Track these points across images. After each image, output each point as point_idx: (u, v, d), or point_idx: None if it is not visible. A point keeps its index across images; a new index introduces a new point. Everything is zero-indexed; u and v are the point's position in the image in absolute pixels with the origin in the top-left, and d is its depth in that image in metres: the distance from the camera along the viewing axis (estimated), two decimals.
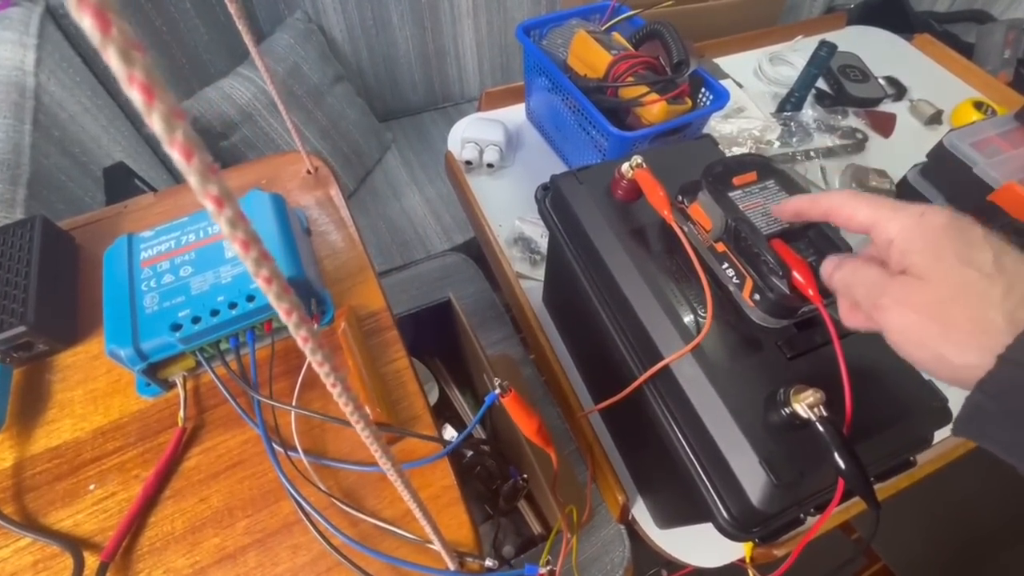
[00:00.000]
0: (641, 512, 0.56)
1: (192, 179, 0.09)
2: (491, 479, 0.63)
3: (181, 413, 0.32)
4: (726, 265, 0.40)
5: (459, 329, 0.78)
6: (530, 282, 0.70)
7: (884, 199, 0.26)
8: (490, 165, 0.82)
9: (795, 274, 0.36)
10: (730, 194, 0.41)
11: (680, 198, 0.44)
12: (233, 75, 1.00)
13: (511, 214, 0.77)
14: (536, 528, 0.68)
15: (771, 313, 0.38)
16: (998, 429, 0.20)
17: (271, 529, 0.29)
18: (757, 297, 0.38)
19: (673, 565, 0.55)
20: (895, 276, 0.24)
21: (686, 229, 0.43)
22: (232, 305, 0.32)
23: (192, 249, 0.34)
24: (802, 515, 0.38)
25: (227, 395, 0.32)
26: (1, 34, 0.64)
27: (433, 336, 0.86)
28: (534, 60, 0.77)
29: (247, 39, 0.36)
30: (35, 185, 0.54)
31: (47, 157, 0.60)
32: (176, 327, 0.31)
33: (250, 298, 0.32)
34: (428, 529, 0.21)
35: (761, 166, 0.43)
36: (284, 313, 0.12)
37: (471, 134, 0.83)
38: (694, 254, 0.41)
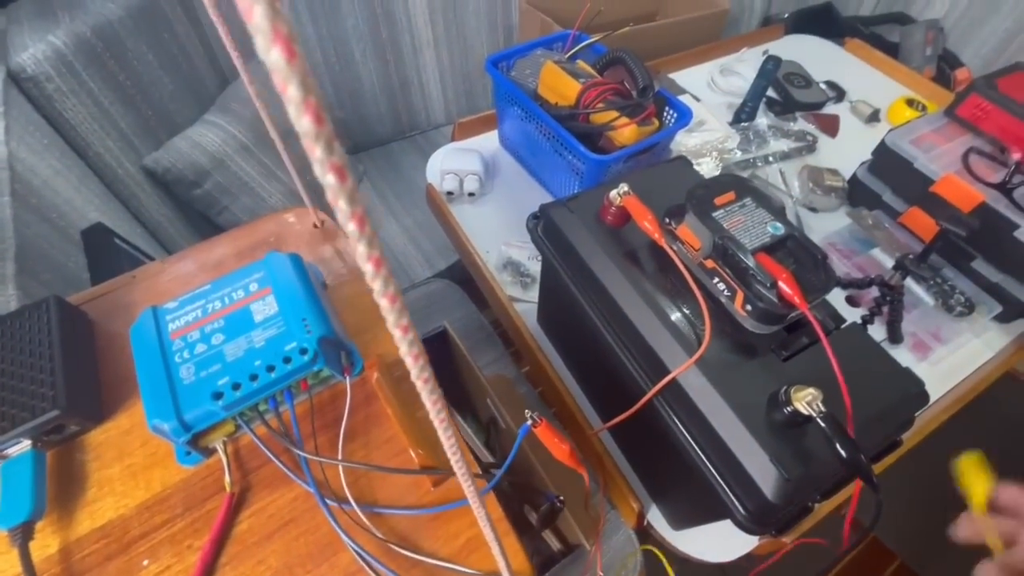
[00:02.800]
0: (655, 517, 0.58)
1: (342, 200, 0.10)
2: (508, 501, 0.64)
3: (227, 478, 0.33)
4: (716, 280, 0.44)
5: (456, 356, 0.79)
6: (523, 304, 0.73)
7: None
8: (471, 194, 0.85)
9: (781, 284, 0.40)
10: (714, 214, 0.44)
11: (667, 220, 0.47)
12: (200, 123, 0.99)
13: (496, 240, 0.80)
14: (555, 545, 0.70)
15: (762, 320, 0.41)
16: None
17: None
18: (749, 307, 0.41)
19: (688, 564, 0.57)
20: None
21: (675, 249, 0.46)
22: (270, 368, 0.33)
23: (220, 316, 0.35)
24: (810, 503, 0.42)
25: (271, 456, 0.33)
26: None
27: (431, 365, 0.87)
28: (505, 91, 0.81)
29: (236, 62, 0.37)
30: (21, 258, 0.54)
31: (28, 227, 0.59)
32: (218, 395, 0.32)
33: (287, 359, 0.33)
34: (501, 563, 0.23)
35: (737, 186, 0.47)
36: (412, 359, 0.14)
37: (449, 165, 0.86)
38: (687, 272, 0.44)
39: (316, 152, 0.09)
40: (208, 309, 0.36)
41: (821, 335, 0.37)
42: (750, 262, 0.41)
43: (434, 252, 1.17)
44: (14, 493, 0.32)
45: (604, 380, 0.59)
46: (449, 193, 0.84)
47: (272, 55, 0.08)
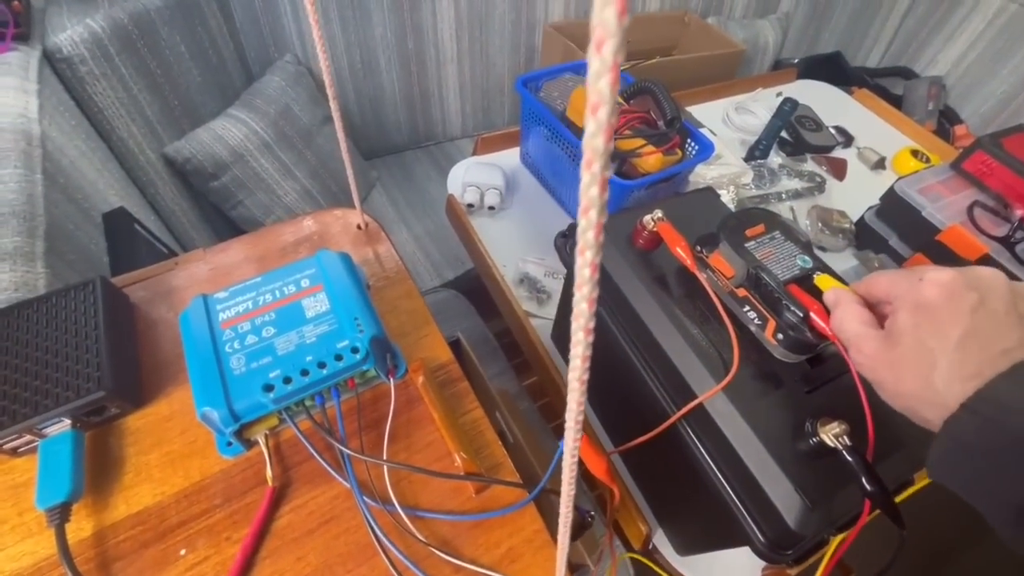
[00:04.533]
0: (660, 541, 0.59)
1: (594, 211, 0.11)
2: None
3: (269, 472, 0.33)
4: (747, 308, 0.45)
5: (467, 367, 0.80)
6: (536, 320, 0.73)
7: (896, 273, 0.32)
8: (491, 208, 0.86)
9: (814, 316, 0.41)
10: (746, 245, 0.46)
11: (699, 248, 0.49)
12: (224, 116, 0.99)
13: (513, 254, 0.81)
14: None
15: (793, 350, 0.43)
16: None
17: None
18: (780, 336, 0.43)
19: None
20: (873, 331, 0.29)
21: (706, 276, 0.48)
22: (321, 365, 0.33)
23: (272, 309, 0.36)
24: (826, 536, 0.43)
25: (313, 452, 0.33)
26: (3, 80, 0.63)
27: None
28: (533, 110, 0.83)
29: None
30: (50, 236, 0.53)
31: (56, 206, 0.58)
32: (268, 388, 0.32)
33: (338, 357, 0.34)
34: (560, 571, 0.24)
35: (767, 219, 0.48)
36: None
37: (472, 178, 0.87)
38: (717, 299, 0.46)
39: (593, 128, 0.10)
40: (259, 301, 0.36)
41: (854, 373, 0.39)
42: (783, 293, 0.42)
43: (443, 262, 1.18)
44: (53, 473, 0.31)
45: (621, 401, 0.59)
46: (469, 205, 0.85)
47: (608, 12, 0.09)
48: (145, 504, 0.32)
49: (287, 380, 0.33)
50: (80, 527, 0.31)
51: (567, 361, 0.52)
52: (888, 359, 0.27)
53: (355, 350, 0.34)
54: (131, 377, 0.36)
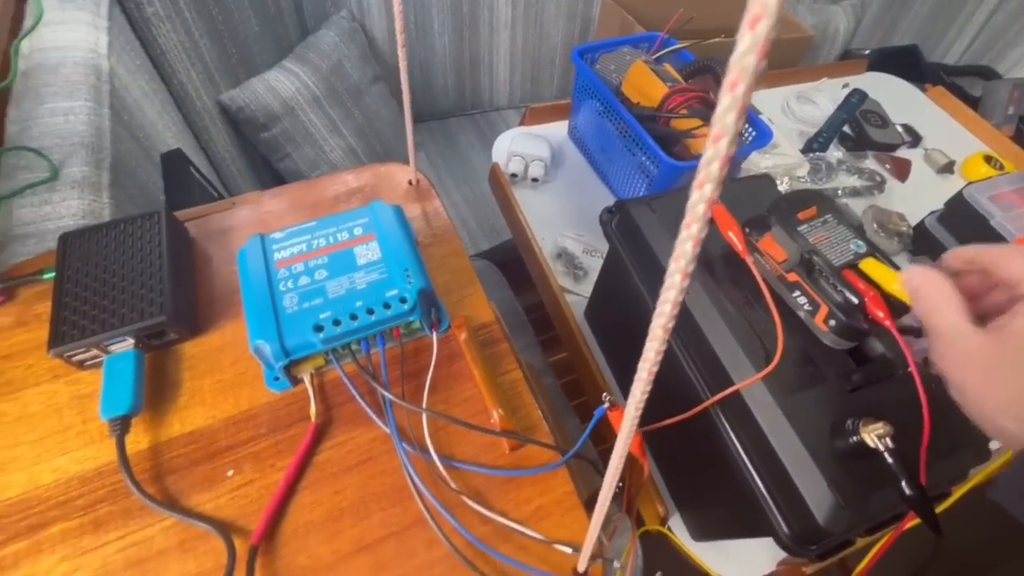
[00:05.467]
0: (675, 525, 0.59)
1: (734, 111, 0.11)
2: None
3: (312, 409, 0.34)
4: (797, 293, 0.44)
5: None
6: (570, 296, 0.73)
7: None
8: (534, 180, 0.85)
9: (869, 304, 0.40)
10: (799, 228, 0.44)
11: (747, 231, 0.47)
12: (278, 68, 1.00)
13: (552, 228, 0.80)
14: None
15: (844, 336, 0.42)
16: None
17: (406, 523, 0.31)
18: (832, 323, 0.41)
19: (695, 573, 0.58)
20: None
21: (755, 260, 0.46)
22: (370, 311, 0.34)
23: (325, 253, 0.36)
24: (852, 536, 0.42)
25: (355, 394, 0.34)
26: (76, 15, 0.65)
27: None
28: (588, 83, 0.81)
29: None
30: (114, 170, 0.55)
31: (120, 142, 0.60)
32: (318, 328, 0.33)
33: (387, 305, 0.34)
34: (593, 531, 0.24)
35: (819, 201, 0.46)
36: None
37: (517, 148, 0.86)
38: (764, 285, 0.45)
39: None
40: (313, 245, 0.37)
41: (911, 363, 0.37)
42: (838, 278, 0.41)
43: (479, 231, 1.18)
44: (116, 387, 0.33)
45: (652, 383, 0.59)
46: (513, 175, 0.85)
47: None
48: (197, 425, 0.34)
49: (336, 322, 0.33)
50: (137, 440, 0.33)
51: (600, 340, 0.52)
52: (987, 361, 0.24)
53: (403, 300, 0.34)
54: (189, 306, 0.38)
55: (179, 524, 0.31)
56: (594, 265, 0.76)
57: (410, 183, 0.47)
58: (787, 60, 1.15)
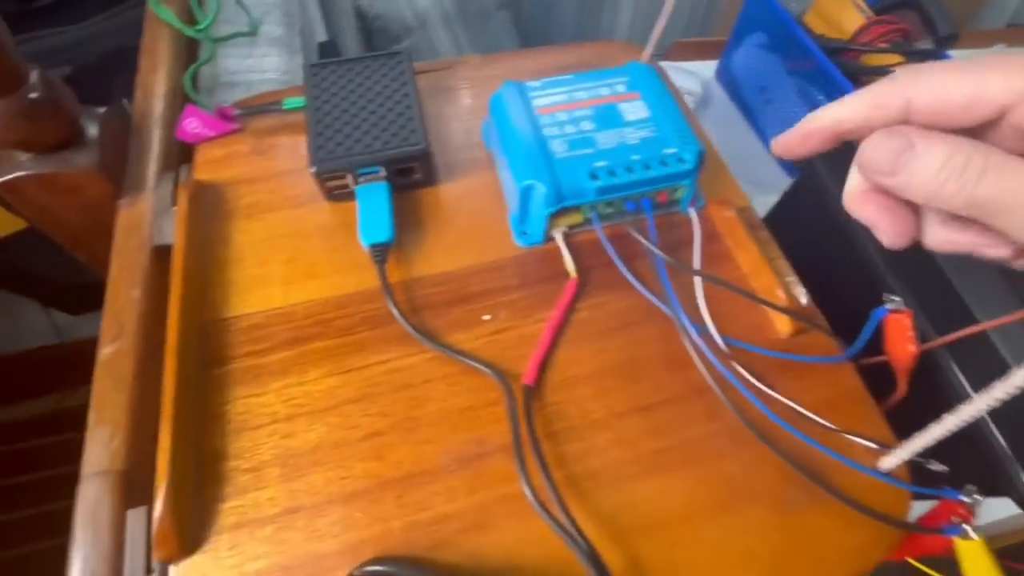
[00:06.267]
0: None
1: None
2: None
3: (571, 265, 0.32)
4: None
5: None
6: None
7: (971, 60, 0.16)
8: None
9: None
10: None
11: None
12: None
13: None
14: None
15: None
16: None
17: (681, 392, 0.28)
18: None
19: None
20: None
21: None
22: (646, 166, 0.31)
23: (587, 105, 0.33)
24: None
25: (615, 257, 0.31)
26: None
27: None
28: (759, 10, 0.74)
29: None
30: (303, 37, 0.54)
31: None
32: (593, 176, 0.30)
33: (663, 162, 0.31)
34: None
35: None
36: None
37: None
38: None
39: None
40: (574, 96, 0.34)
41: None
42: None
43: None
44: (373, 216, 0.32)
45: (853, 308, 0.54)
46: None
47: None
48: (444, 269, 0.32)
49: (611, 172, 0.31)
50: (389, 273, 0.31)
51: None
52: None
53: (681, 160, 0.31)
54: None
55: (440, 358, 0.29)
56: None
57: None
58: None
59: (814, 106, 0.74)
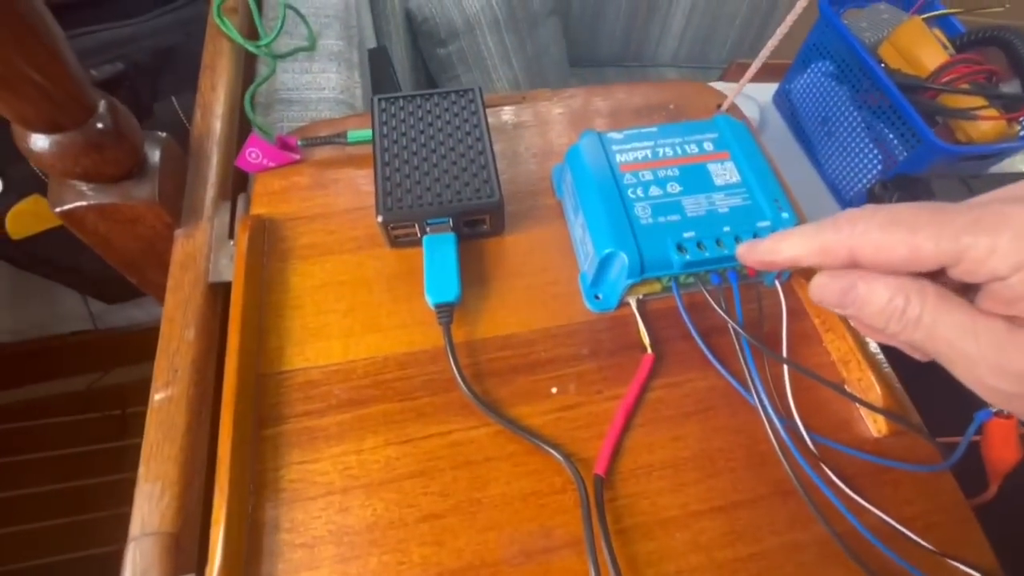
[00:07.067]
0: None
1: None
2: None
3: (646, 338, 0.30)
4: None
5: None
6: None
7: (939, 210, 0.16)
8: None
9: None
10: None
11: None
12: None
13: None
14: None
15: None
16: None
17: (762, 493, 0.26)
18: None
19: None
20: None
21: None
22: (737, 239, 0.29)
23: (674, 165, 0.31)
24: None
25: (694, 332, 0.29)
26: None
27: None
28: (828, 38, 0.70)
29: None
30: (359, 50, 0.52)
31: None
32: (680, 248, 0.28)
33: (756, 235, 0.29)
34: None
35: None
36: None
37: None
38: None
39: None
40: (658, 153, 0.32)
41: None
42: None
43: None
44: (439, 272, 0.30)
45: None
46: None
47: None
48: (512, 331, 0.30)
49: (700, 245, 0.28)
50: (452, 331, 0.30)
51: None
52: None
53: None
54: None
55: (504, 433, 0.27)
56: None
57: (718, 107, 0.41)
58: None
59: (880, 143, 0.70)
